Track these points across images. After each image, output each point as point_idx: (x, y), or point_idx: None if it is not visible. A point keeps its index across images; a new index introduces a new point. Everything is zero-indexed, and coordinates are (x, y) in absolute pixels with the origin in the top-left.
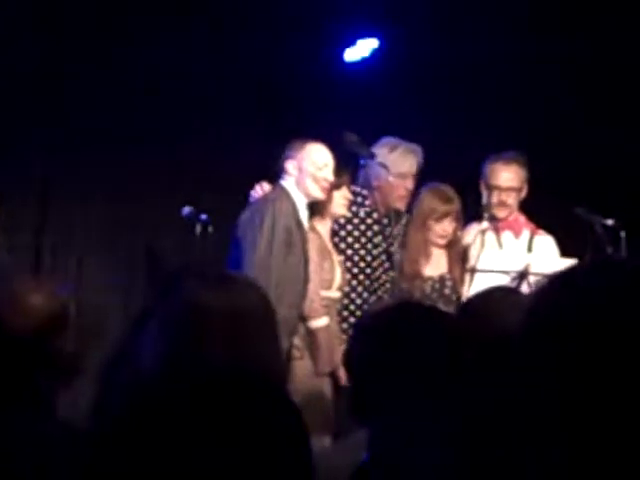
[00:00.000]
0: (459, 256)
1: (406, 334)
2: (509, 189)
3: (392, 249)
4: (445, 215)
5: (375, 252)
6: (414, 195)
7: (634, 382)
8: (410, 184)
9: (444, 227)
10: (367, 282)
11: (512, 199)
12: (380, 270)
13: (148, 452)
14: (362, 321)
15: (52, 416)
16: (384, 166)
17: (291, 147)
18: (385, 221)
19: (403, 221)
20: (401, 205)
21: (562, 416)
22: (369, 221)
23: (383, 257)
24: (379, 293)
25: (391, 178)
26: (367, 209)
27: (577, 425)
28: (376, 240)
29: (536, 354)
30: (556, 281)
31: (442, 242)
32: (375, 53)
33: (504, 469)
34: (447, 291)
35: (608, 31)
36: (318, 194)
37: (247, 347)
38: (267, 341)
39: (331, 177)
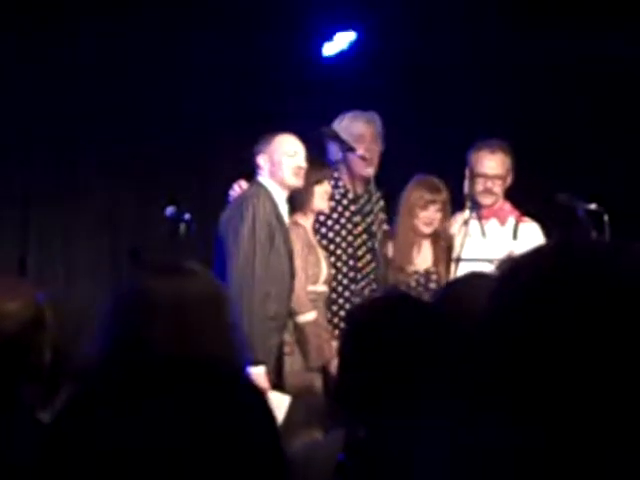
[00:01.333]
0: (445, 250)
1: (395, 324)
2: (495, 177)
3: (374, 228)
4: (431, 202)
5: (355, 231)
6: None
7: (596, 364)
8: (367, 148)
9: (429, 215)
10: (351, 262)
11: (498, 187)
12: (363, 249)
13: (90, 441)
14: (351, 313)
15: (33, 422)
16: (364, 158)
17: (260, 141)
18: (362, 200)
19: (381, 203)
20: (365, 173)
21: (527, 400)
22: (345, 202)
23: (365, 236)
24: (364, 272)
25: (367, 154)
26: (341, 190)
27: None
28: (355, 219)
29: (499, 339)
30: (515, 266)
31: (428, 230)
32: (353, 46)
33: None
34: (432, 285)
35: (586, 26)
36: (294, 182)
37: (194, 334)
38: (216, 328)
39: (304, 164)
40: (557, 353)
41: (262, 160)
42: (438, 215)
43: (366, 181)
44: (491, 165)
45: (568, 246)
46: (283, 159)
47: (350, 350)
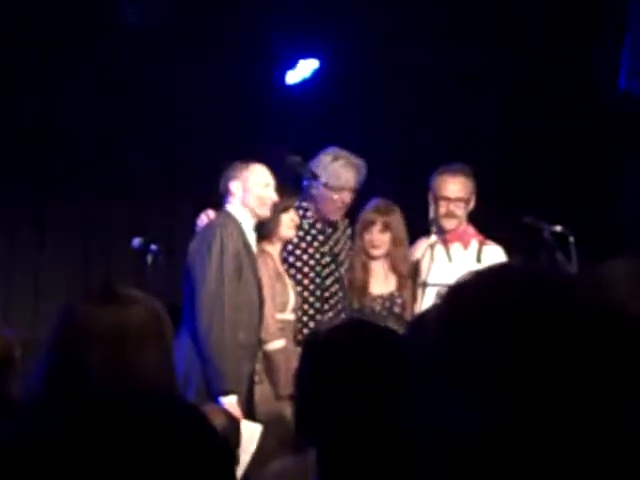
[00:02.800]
0: (408, 273)
1: (354, 352)
2: (457, 200)
3: (341, 258)
4: (370, 223)
5: (323, 261)
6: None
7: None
8: (347, 197)
9: (372, 236)
10: (318, 292)
11: (460, 210)
12: (331, 279)
13: None
14: (310, 339)
15: None
16: (326, 185)
17: (234, 168)
18: (329, 231)
19: (348, 232)
20: (335, 217)
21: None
22: (313, 232)
23: (332, 266)
24: (331, 302)
25: (328, 194)
26: (310, 220)
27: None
28: (323, 249)
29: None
30: (452, 293)
31: (375, 252)
32: (316, 73)
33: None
34: (397, 309)
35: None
36: (264, 212)
37: (130, 363)
38: (154, 356)
39: (274, 196)
40: (498, 377)
41: (234, 186)
42: (382, 237)
43: (339, 210)
44: (453, 188)
45: (504, 271)
46: (255, 189)
47: (307, 377)
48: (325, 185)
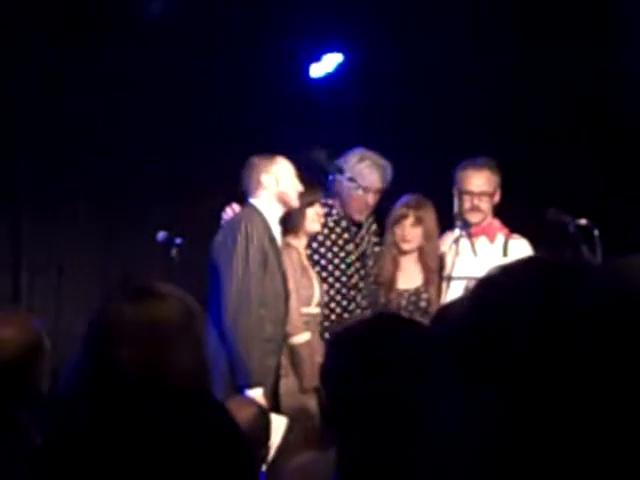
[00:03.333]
0: (435, 269)
1: (382, 345)
2: (482, 194)
3: (367, 253)
4: (403, 217)
5: (349, 260)
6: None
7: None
8: (372, 199)
9: (403, 231)
10: (344, 290)
11: (485, 204)
12: (356, 277)
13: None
14: (336, 334)
15: (29, 447)
16: (352, 180)
17: (261, 162)
18: (354, 228)
19: (373, 227)
20: (360, 217)
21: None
22: (338, 230)
23: (358, 264)
24: (357, 300)
25: (353, 190)
26: (335, 217)
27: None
28: (348, 248)
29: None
30: (480, 286)
31: (405, 246)
32: (340, 67)
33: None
34: (423, 304)
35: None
36: (295, 202)
37: (164, 357)
38: (187, 352)
39: (299, 185)
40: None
41: (266, 180)
42: (414, 231)
43: (364, 211)
44: (477, 182)
45: (534, 263)
46: (289, 181)
47: (336, 370)
48: (350, 180)
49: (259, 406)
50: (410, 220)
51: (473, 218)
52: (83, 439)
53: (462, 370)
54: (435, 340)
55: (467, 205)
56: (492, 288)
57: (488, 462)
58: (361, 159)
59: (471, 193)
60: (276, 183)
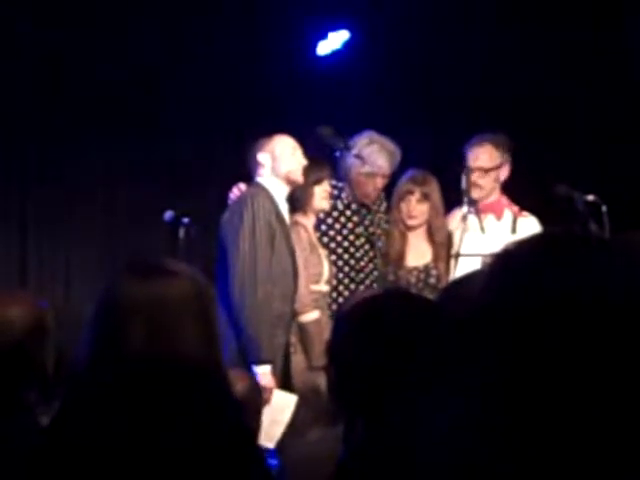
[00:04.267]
0: (444, 245)
1: (388, 321)
2: (479, 169)
3: (375, 237)
4: (408, 192)
5: (358, 243)
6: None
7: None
8: (380, 183)
9: (409, 207)
10: (353, 273)
11: (483, 179)
12: (365, 260)
13: (80, 445)
14: (343, 310)
15: (36, 427)
16: (359, 157)
17: (259, 141)
18: (364, 211)
19: (383, 206)
20: (368, 200)
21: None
22: (348, 213)
23: (367, 247)
24: (366, 283)
25: (363, 170)
26: (344, 201)
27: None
28: (357, 230)
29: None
30: (497, 262)
31: (412, 222)
32: (347, 45)
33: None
34: (432, 280)
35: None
36: (297, 177)
37: (171, 335)
38: (196, 330)
39: (304, 160)
40: (550, 345)
41: (263, 158)
42: (420, 207)
43: (371, 194)
44: (474, 158)
45: (553, 238)
46: (285, 155)
47: (345, 345)
48: (357, 157)
49: (252, 380)
50: (416, 196)
51: (474, 194)
52: (92, 418)
53: (475, 350)
54: (448, 318)
55: (466, 181)
56: (507, 267)
57: (491, 445)
58: (370, 142)
59: (470, 169)
60: (272, 159)
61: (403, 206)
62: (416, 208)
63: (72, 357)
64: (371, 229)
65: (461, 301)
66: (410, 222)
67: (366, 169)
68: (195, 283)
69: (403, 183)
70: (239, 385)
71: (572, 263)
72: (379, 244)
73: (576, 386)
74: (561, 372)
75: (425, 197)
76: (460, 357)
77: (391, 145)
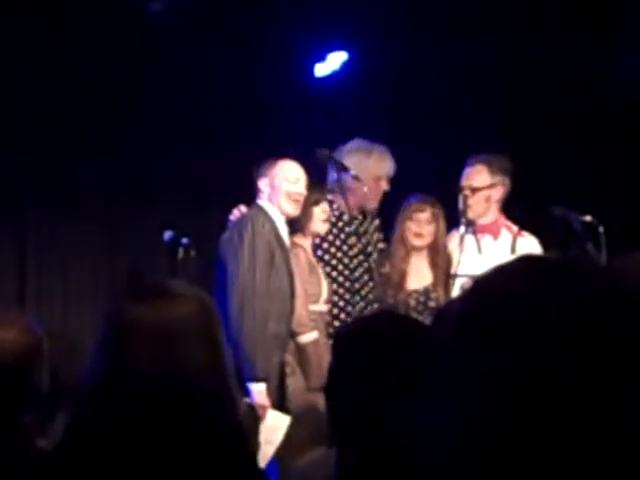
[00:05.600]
0: (445, 268)
1: (382, 346)
2: (469, 189)
3: (370, 248)
4: (419, 210)
5: (352, 253)
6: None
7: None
8: (385, 185)
9: (419, 225)
10: (347, 284)
11: (472, 199)
12: (360, 270)
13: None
14: (340, 335)
15: (31, 449)
16: (357, 178)
17: (263, 165)
18: (356, 222)
19: (376, 222)
20: (374, 204)
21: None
22: (340, 224)
23: (361, 257)
24: (362, 293)
25: (365, 189)
26: (336, 212)
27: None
28: (350, 241)
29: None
30: (478, 285)
31: (419, 242)
32: (345, 66)
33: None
34: (432, 304)
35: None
36: (291, 211)
37: (180, 358)
38: (203, 351)
39: (304, 191)
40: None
41: (263, 184)
42: (428, 228)
43: (361, 202)
44: (468, 177)
45: (527, 263)
46: (283, 185)
47: (337, 368)
48: (355, 178)
49: (248, 404)
50: (427, 215)
51: (467, 214)
52: (101, 441)
53: (455, 371)
54: (431, 341)
55: (460, 201)
56: (483, 290)
57: (483, 464)
58: (368, 154)
59: (462, 189)
60: (270, 187)
61: (411, 225)
62: (425, 228)
63: (77, 381)
64: (364, 239)
65: (447, 323)
66: (417, 242)
67: (372, 178)
68: (202, 304)
69: (413, 202)
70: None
71: (552, 288)
72: (371, 260)
73: (555, 413)
74: (542, 396)
75: (434, 218)
76: (444, 377)
77: (379, 147)
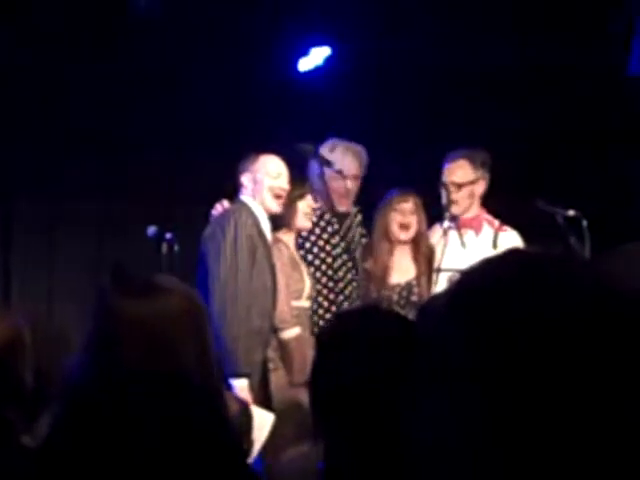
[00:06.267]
0: (427, 262)
1: (367, 342)
2: (452, 184)
3: (353, 246)
4: (402, 201)
5: (335, 252)
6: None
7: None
8: (350, 184)
9: (403, 216)
10: (331, 284)
11: (457, 195)
12: (343, 269)
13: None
14: (324, 332)
15: (17, 445)
16: (326, 161)
17: (245, 161)
18: (336, 220)
19: (358, 218)
20: (344, 205)
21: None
22: (322, 223)
23: (344, 256)
24: (346, 293)
25: (349, 184)
26: (317, 212)
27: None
28: (333, 240)
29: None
30: (462, 281)
31: (403, 236)
32: (328, 61)
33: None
34: (414, 298)
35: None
36: (274, 206)
37: (169, 353)
38: (192, 346)
39: (286, 185)
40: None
41: (245, 179)
42: (413, 218)
43: (343, 198)
44: (451, 173)
45: (515, 257)
46: (265, 180)
47: (324, 368)
48: (338, 172)
49: (239, 400)
50: (410, 205)
51: (452, 210)
52: (89, 436)
53: (440, 369)
54: (415, 338)
55: (444, 197)
56: (471, 284)
57: (474, 461)
58: (332, 148)
59: (445, 185)
60: (253, 182)
61: (396, 215)
62: (410, 219)
63: (64, 376)
64: (347, 237)
65: (433, 318)
66: (402, 235)
67: (335, 171)
68: (190, 299)
69: (395, 195)
70: (232, 408)
71: (536, 284)
72: (356, 256)
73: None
74: (529, 394)
75: (417, 208)
76: (430, 376)
77: (355, 146)
